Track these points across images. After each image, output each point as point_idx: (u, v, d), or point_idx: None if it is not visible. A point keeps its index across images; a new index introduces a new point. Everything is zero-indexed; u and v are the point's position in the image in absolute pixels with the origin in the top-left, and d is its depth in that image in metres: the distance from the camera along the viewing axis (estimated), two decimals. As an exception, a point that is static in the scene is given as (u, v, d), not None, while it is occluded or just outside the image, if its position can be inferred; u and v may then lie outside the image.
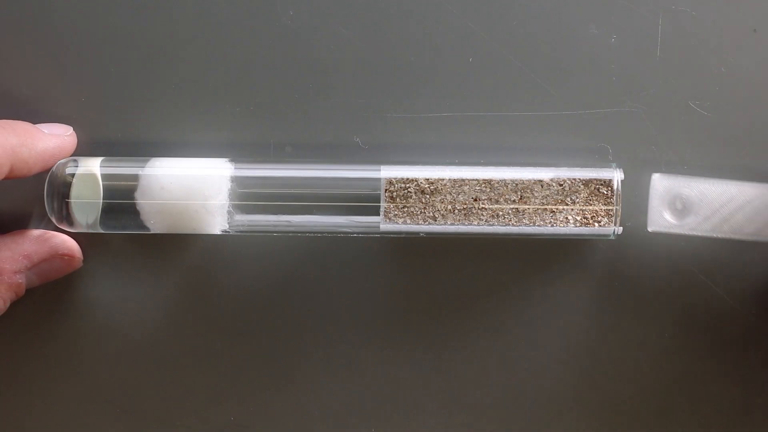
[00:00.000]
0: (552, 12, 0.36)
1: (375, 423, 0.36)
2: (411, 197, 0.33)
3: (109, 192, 0.34)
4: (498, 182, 0.34)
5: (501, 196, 0.33)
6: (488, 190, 0.33)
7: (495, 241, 0.36)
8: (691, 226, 0.33)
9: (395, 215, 0.34)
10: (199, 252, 0.36)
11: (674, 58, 0.35)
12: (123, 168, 0.34)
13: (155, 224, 0.34)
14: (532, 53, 0.36)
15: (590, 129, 0.36)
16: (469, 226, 0.34)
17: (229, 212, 0.34)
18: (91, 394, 0.36)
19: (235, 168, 0.34)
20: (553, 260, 0.36)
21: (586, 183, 0.33)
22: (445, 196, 0.33)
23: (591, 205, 0.33)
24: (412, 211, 0.34)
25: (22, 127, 0.34)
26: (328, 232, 0.34)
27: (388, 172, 0.34)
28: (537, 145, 0.36)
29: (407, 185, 0.34)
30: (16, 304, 0.34)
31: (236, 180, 0.34)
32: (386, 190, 0.34)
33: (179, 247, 0.36)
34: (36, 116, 0.35)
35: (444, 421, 0.36)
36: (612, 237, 0.34)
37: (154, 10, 0.36)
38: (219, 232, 0.34)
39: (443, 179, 0.34)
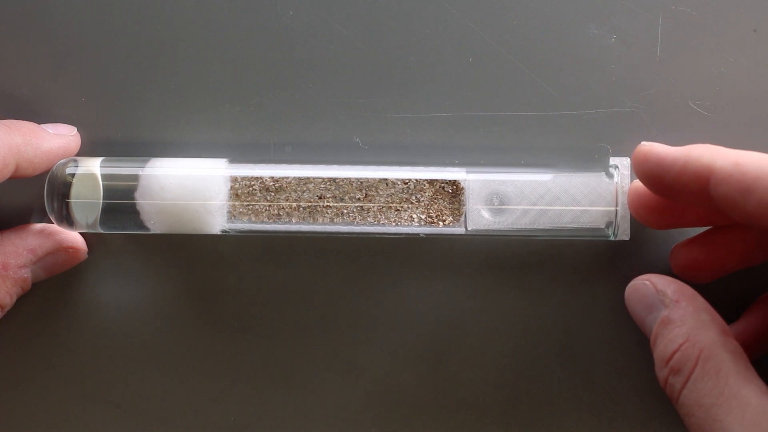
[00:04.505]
0: (552, 12, 0.36)
1: (375, 423, 0.36)
2: (256, 195, 0.33)
3: (109, 192, 0.34)
4: (343, 180, 0.34)
5: (346, 194, 0.33)
6: (333, 188, 0.34)
7: (496, 241, 0.36)
8: (510, 221, 0.34)
9: (240, 213, 0.34)
10: (199, 252, 0.36)
11: (674, 58, 0.35)
12: (123, 168, 0.34)
13: (155, 224, 0.34)
14: (532, 53, 0.36)
15: (590, 129, 0.36)
16: (313, 225, 0.34)
17: (229, 212, 0.34)
18: (91, 394, 0.36)
19: (235, 168, 0.34)
20: (552, 260, 0.36)
21: (431, 182, 0.34)
22: (290, 193, 0.33)
23: (435, 203, 0.33)
24: (257, 209, 0.34)
25: (27, 127, 0.34)
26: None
27: (232, 170, 0.34)
28: (537, 145, 0.36)
29: (252, 183, 0.34)
30: (17, 302, 0.34)
31: (236, 180, 0.34)
32: (231, 187, 0.34)
33: (179, 247, 0.36)
34: (36, 116, 0.35)
35: (444, 421, 0.36)
36: (612, 237, 0.34)
37: (154, 10, 0.36)
38: (219, 232, 0.34)
39: (288, 177, 0.34)
